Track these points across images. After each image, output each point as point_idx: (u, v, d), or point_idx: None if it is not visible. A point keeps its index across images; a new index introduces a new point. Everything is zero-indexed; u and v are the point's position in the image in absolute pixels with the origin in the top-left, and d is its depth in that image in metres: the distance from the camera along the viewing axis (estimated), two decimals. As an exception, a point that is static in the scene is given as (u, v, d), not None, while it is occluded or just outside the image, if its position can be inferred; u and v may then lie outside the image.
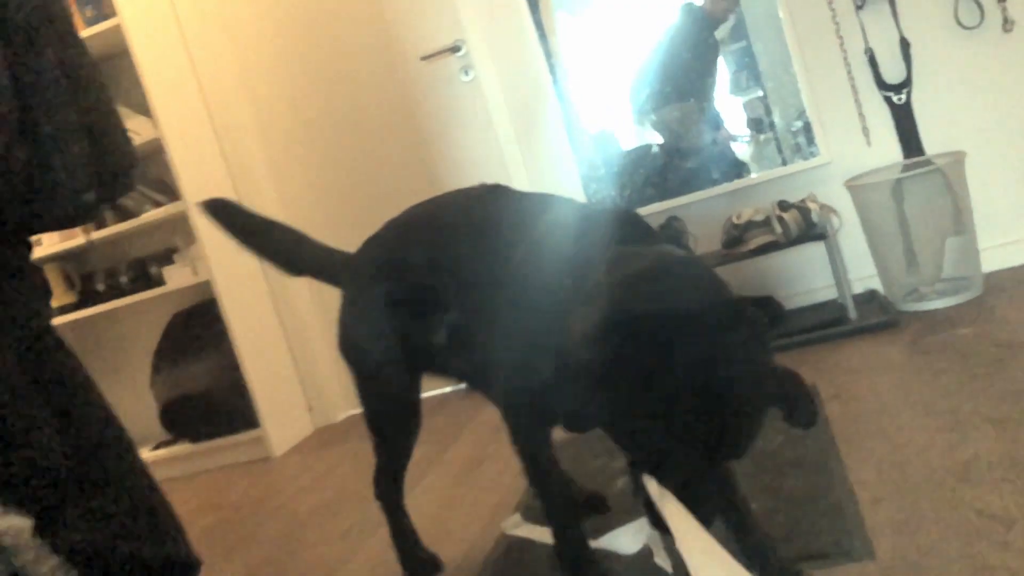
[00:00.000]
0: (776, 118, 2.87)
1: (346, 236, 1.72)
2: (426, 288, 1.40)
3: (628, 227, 1.19)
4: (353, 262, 1.57)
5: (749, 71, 3.05)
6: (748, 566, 1.07)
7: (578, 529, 1.37)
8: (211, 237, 2.83)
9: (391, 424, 1.56)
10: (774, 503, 1.46)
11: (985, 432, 1.50)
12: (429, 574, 1.60)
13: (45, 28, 1.10)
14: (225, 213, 1.68)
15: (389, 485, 1.61)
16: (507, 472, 2.03)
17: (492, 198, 1.41)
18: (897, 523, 1.29)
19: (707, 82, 2.93)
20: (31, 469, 1.00)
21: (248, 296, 3.06)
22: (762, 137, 2.90)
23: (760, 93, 2.92)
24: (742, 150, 2.93)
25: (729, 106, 2.99)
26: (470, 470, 2.18)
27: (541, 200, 1.35)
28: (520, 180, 2.88)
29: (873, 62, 2.54)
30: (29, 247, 1.16)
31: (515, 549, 1.60)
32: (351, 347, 1.53)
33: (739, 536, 1.21)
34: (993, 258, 2.49)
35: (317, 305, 3.21)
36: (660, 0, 2.85)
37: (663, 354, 0.92)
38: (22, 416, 1.01)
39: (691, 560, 0.97)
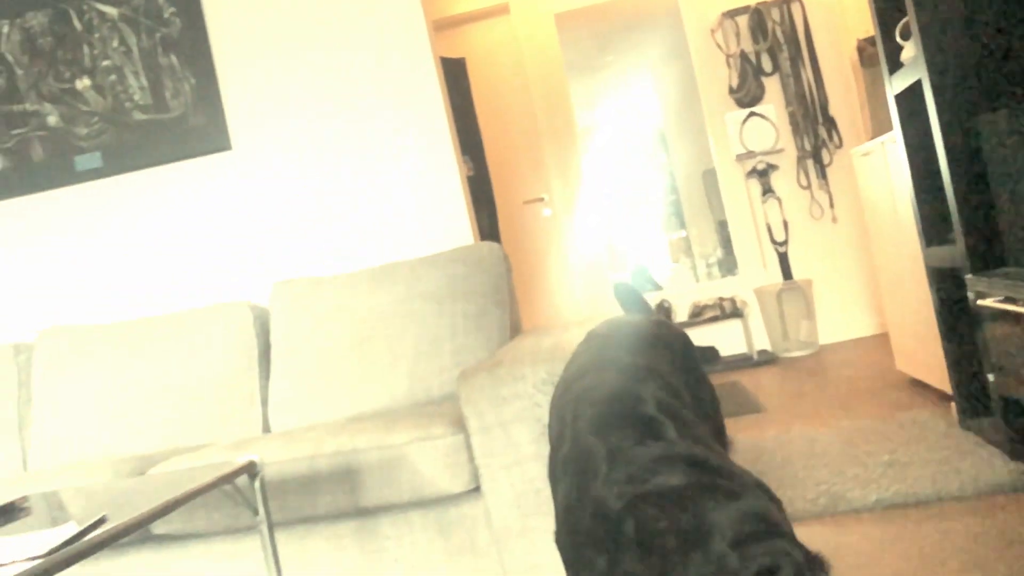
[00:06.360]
0: (695, 250, 5.17)
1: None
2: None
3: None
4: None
5: (677, 217, 5.34)
6: None
7: None
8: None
9: None
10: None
11: (808, 396, 3.69)
12: None
13: None
14: None
15: None
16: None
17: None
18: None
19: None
20: None
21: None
22: (684, 263, 5.20)
23: (684, 233, 5.23)
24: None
25: (660, 240, 5.31)
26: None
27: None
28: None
29: (768, 228, 4.85)
30: None
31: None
32: None
33: None
34: (825, 335, 4.78)
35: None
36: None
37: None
38: None
39: None
